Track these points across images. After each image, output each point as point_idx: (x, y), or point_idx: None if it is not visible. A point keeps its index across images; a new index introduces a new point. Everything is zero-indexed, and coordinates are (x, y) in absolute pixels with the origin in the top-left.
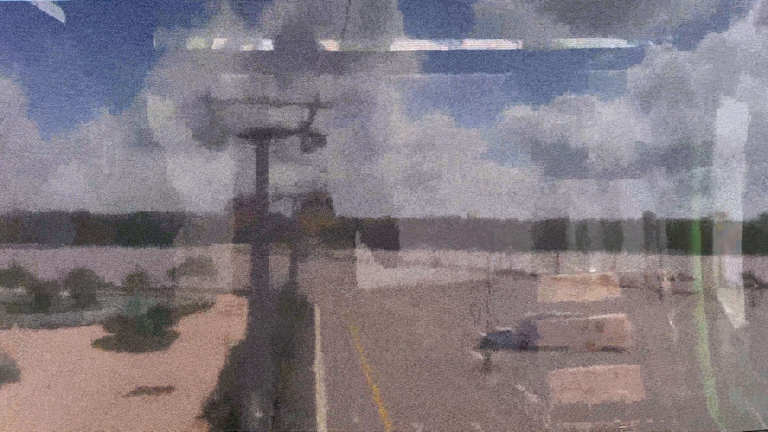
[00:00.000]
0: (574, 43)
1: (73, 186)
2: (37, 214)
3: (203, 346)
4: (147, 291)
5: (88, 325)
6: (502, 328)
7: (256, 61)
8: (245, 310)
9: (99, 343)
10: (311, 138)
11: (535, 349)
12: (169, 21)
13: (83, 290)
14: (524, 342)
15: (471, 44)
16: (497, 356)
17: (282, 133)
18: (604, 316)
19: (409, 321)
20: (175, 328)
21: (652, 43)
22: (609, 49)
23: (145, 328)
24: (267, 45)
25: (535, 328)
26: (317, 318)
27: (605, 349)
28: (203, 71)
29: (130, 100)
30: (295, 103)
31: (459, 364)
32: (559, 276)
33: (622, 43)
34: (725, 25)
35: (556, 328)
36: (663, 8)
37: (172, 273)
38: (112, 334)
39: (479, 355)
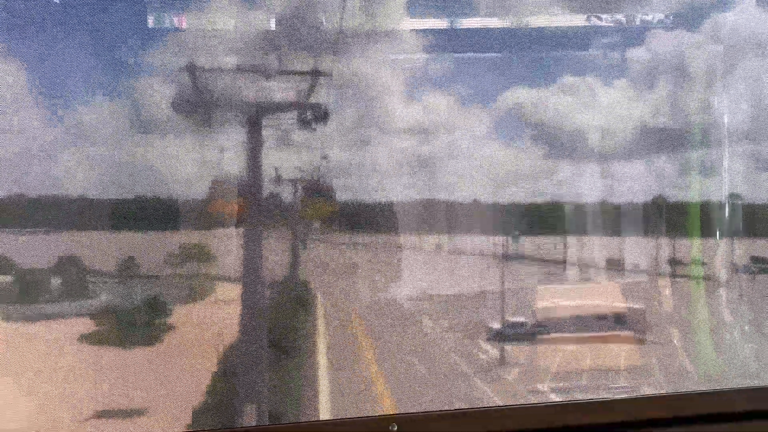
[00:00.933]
0: (573, 21)
1: (67, 169)
2: (29, 198)
3: (199, 338)
4: (141, 279)
5: (76, 316)
6: (517, 319)
7: (254, 39)
8: (244, 299)
9: (87, 337)
10: (311, 111)
11: (553, 341)
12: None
13: (74, 278)
14: (540, 333)
15: (470, 23)
16: (512, 350)
17: (279, 106)
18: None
19: (414, 310)
20: (169, 319)
21: (653, 24)
22: (610, 30)
23: (137, 320)
24: (264, 22)
25: (551, 318)
26: (319, 306)
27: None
28: (201, 50)
29: (126, 81)
30: (292, 73)
31: (470, 357)
32: (556, 287)
33: (622, 23)
34: (730, 4)
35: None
36: None
37: (167, 259)
38: (102, 327)
39: (492, 349)
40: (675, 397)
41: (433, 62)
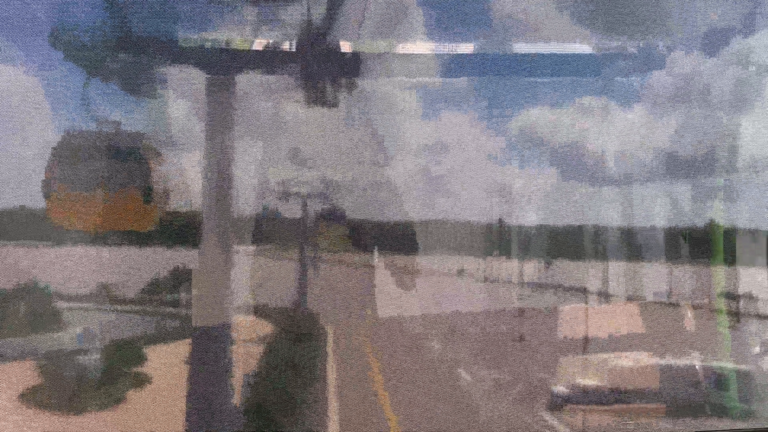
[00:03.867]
0: (593, 49)
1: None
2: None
3: (179, 393)
4: (116, 308)
5: (24, 359)
6: (589, 383)
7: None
8: (242, 333)
9: (36, 393)
10: (327, 83)
11: (638, 411)
12: (187, 19)
13: (40, 306)
14: (621, 400)
15: (489, 47)
16: (591, 424)
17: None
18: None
19: (441, 354)
20: (144, 368)
21: (673, 48)
22: (630, 54)
23: (104, 368)
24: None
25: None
26: (330, 342)
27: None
28: (215, 65)
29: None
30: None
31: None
32: (582, 307)
33: (641, 48)
34: (752, 28)
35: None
36: (686, 12)
37: (151, 286)
38: (60, 374)
39: (562, 427)
40: None
41: (449, 84)
